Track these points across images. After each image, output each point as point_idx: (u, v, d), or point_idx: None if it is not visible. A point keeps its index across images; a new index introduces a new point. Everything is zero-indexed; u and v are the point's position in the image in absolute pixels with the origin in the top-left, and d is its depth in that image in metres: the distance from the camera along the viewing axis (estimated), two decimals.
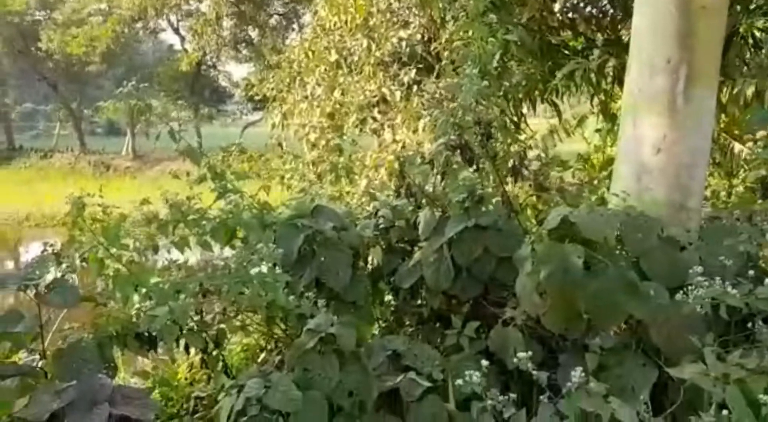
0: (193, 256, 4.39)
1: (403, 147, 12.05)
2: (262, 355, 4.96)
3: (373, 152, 11.61)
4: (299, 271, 3.91)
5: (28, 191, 33.33)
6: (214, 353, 4.14)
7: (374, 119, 13.15)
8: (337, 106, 13.69)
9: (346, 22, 13.65)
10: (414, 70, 13.03)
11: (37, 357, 3.56)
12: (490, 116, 4.02)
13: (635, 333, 3.35)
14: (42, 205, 30.14)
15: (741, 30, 5.65)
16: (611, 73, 6.06)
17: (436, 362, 3.51)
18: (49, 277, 3.53)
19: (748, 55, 6.00)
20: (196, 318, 3.78)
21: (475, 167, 4.02)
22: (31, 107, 58.71)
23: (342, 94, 13.61)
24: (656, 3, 3.88)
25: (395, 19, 13.29)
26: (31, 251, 28.41)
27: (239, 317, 4.00)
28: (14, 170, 41.79)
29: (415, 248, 4.20)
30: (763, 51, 5.95)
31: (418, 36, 13.01)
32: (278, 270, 3.65)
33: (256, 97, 36.83)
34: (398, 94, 12.82)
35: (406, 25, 13.14)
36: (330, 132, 13.63)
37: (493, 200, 3.93)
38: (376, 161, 11.41)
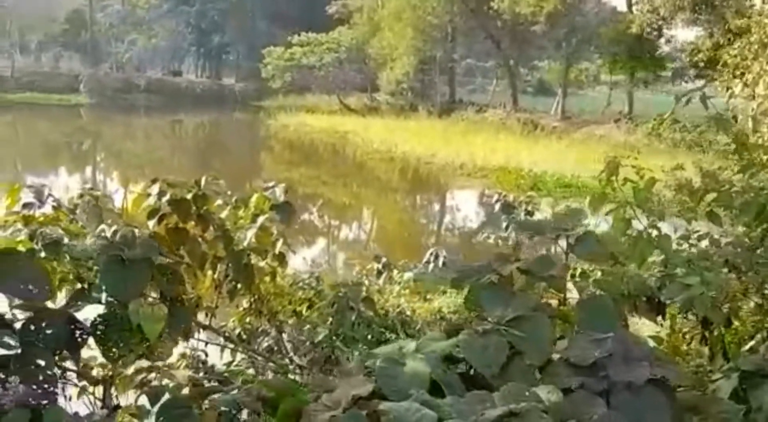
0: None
1: None
2: (751, 343, 4.64)
3: None
4: None
5: (463, 141, 36.06)
6: (716, 332, 3.99)
7: None
8: None
9: None
10: None
11: (556, 303, 3.77)
12: None
13: None
14: (474, 156, 32.37)
15: None
16: None
17: None
18: (580, 230, 3.67)
19: None
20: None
21: None
22: (472, 62, 63.17)
23: None
24: None
25: None
26: (456, 198, 30.95)
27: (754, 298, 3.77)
28: (453, 120, 45.66)
29: None
30: None
31: None
32: None
33: (701, 64, 34.57)
34: None
35: None
36: None
37: None
38: None
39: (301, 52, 52.55)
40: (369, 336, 7.94)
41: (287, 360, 6.84)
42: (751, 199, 3.71)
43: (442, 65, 50.76)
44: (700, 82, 37.27)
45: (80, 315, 2.89)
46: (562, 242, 3.72)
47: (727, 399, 3.59)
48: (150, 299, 2.88)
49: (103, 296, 2.91)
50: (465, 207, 29.04)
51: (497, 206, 10.78)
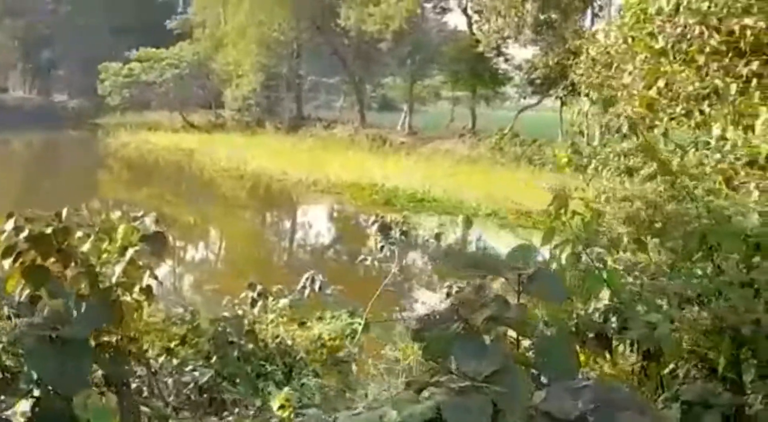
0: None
1: (734, 147, 11.09)
2: (671, 366, 4.62)
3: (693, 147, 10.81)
4: None
5: (314, 157, 35.94)
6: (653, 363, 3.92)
7: (701, 112, 12.26)
8: (657, 96, 12.94)
9: (677, 8, 12.83)
10: (756, 62, 11.98)
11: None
12: None
13: None
14: (327, 172, 32.35)
15: None
16: None
17: None
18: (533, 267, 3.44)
19: None
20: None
21: None
22: (318, 79, 62.98)
23: (666, 84, 12.85)
24: None
25: (738, 5, 12.29)
26: (308, 214, 30.80)
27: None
28: (302, 136, 45.39)
29: None
30: None
31: (762, 24, 11.93)
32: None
33: (538, 81, 36.46)
34: (734, 87, 11.84)
35: (747, 11, 12.11)
36: (645, 123, 12.91)
37: None
38: (700, 159, 10.57)
39: (141, 68, 50.32)
40: (250, 370, 7.54)
41: (161, 403, 6.30)
42: (693, 229, 3.66)
43: (289, 81, 50.35)
44: (536, 98, 39.35)
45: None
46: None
47: None
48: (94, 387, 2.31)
49: (34, 387, 2.31)
50: (317, 223, 28.94)
51: (374, 228, 10.58)
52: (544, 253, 3.99)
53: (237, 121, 50.46)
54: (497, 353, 2.92)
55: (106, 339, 2.69)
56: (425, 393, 2.92)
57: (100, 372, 2.48)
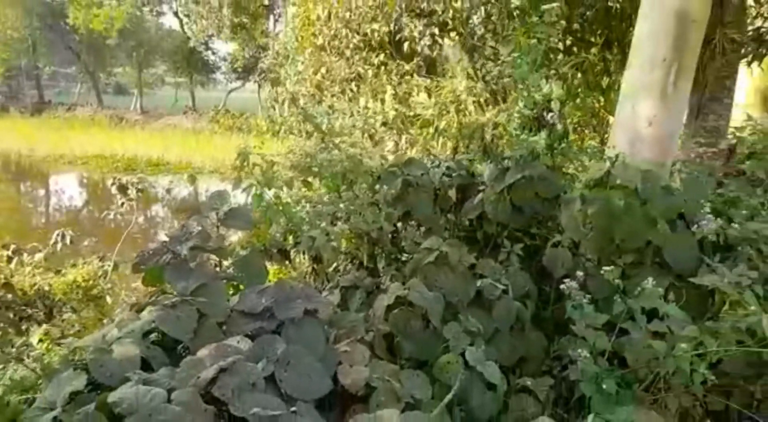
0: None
1: (374, 113, 12.00)
2: (335, 264, 4.88)
3: (349, 115, 11.51)
4: (394, 206, 3.86)
5: (59, 136, 31.43)
6: (319, 266, 4.09)
7: (351, 90, 12.99)
8: (322, 79, 13.41)
9: (329, 16, 13.29)
10: (382, 54, 12.91)
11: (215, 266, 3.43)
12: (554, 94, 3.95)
13: (652, 254, 3.43)
14: (72, 147, 28.66)
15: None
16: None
17: (504, 272, 3.56)
18: (226, 207, 3.36)
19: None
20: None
21: (539, 133, 3.97)
22: (54, 69, 54.06)
23: (327, 70, 13.34)
24: (658, 15, 3.89)
25: (368, 15, 13.02)
26: (60, 183, 27.05)
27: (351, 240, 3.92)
28: (46, 119, 39.18)
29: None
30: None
31: (385, 28, 12.81)
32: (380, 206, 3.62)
33: (239, 70, 35.28)
34: (370, 72, 12.69)
35: (374, 19, 12.90)
36: (315, 99, 13.37)
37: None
38: (352, 122, 11.28)
39: None
40: (13, 315, 6.59)
41: None
42: (338, 171, 3.84)
43: (28, 72, 42.70)
44: (240, 82, 38.28)
45: None
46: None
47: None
48: None
49: None
50: (69, 189, 25.57)
51: (113, 188, 9.59)
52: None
53: None
54: (201, 273, 2.82)
55: None
56: (145, 312, 2.74)
57: None
